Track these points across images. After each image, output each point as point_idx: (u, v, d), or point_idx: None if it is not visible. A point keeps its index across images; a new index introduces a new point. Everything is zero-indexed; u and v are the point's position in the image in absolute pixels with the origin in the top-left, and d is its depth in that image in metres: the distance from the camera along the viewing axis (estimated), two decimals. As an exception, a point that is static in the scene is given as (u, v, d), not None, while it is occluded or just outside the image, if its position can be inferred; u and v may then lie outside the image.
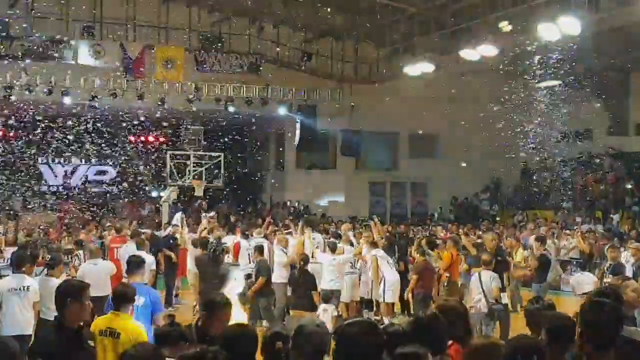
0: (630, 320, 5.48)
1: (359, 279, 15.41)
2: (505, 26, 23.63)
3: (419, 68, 26.79)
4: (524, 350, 4.08)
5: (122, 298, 6.72)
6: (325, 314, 12.75)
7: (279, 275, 14.38)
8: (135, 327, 6.51)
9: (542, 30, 20.81)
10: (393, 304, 14.88)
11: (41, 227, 23.96)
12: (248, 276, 14.97)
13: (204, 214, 20.04)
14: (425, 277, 14.02)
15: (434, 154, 35.14)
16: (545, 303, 5.76)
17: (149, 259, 13.16)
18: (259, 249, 14.64)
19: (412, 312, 14.49)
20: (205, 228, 16.70)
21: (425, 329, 4.89)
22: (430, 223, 30.01)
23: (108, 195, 35.32)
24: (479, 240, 16.75)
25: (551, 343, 4.46)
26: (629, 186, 29.21)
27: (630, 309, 5.98)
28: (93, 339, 5.91)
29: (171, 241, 17.47)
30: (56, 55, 27.12)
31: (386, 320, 14.32)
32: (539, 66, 28.42)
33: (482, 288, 11.71)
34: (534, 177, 34.75)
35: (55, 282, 9.89)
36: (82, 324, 5.94)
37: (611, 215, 27.95)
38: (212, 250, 14.62)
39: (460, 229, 22.15)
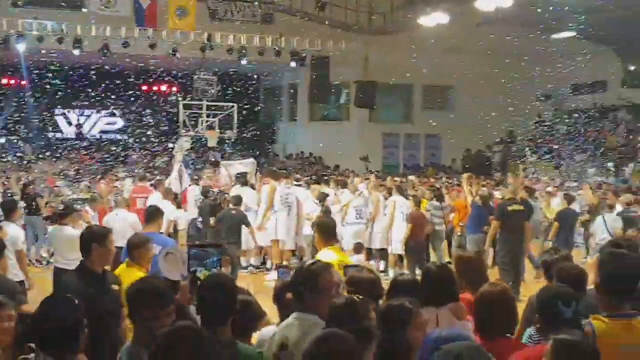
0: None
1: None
2: (521, -24, 23.26)
3: (433, 19, 26.48)
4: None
5: (134, 247, 6.75)
6: None
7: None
8: (137, 276, 6.51)
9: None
10: (401, 255, 15.08)
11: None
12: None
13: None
14: (417, 227, 14.20)
15: (448, 106, 35.00)
16: (561, 254, 5.80)
17: (169, 208, 13.33)
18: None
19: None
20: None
21: (435, 278, 4.98)
22: (442, 174, 30.00)
23: (120, 144, 35.42)
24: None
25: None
26: (643, 139, 29.01)
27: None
28: (118, 284, 5.98)
29: None
30: (67, 3, 26.95)
31: (391, 272, 14.51)
32: (554, 17, 28.10)
33: (608, 230, 12.61)
34: (548, 129, 34.62)
35: (69, 230, 9.98)
36: (106, 268, 6.04)
37: (623, 168, 27.85)
38: (212, 199, 14.81)
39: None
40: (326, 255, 6.24)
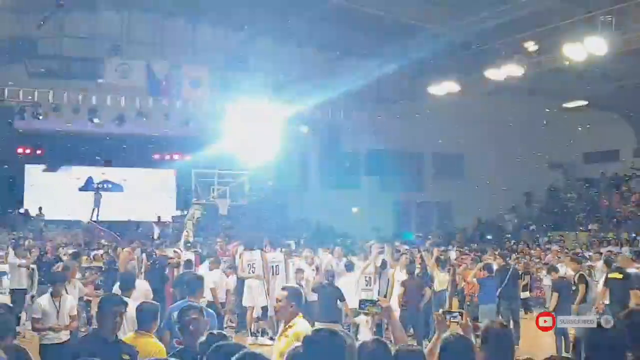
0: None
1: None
2: (531, 46, 23.50)
3: (444, 87, 26.70)
4: None
5: (144, 316, 6.72)
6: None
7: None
8: (155, 345, 6.50)
9: (568, 50, 20.69)
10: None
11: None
12: None
13: None
14: (408, 293, 14.07)
15: (459, 174, 35.03)
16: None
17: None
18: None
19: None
20: None
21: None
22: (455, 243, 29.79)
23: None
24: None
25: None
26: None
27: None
28: (131, 354, 5.97)
29: None
30: (83, 74, 27.37)
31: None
32: (565, 86, 28.31)
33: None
34: (561, 198, 34.52)
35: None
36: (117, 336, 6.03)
37: (638, 238, 27.57)
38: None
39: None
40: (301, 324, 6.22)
